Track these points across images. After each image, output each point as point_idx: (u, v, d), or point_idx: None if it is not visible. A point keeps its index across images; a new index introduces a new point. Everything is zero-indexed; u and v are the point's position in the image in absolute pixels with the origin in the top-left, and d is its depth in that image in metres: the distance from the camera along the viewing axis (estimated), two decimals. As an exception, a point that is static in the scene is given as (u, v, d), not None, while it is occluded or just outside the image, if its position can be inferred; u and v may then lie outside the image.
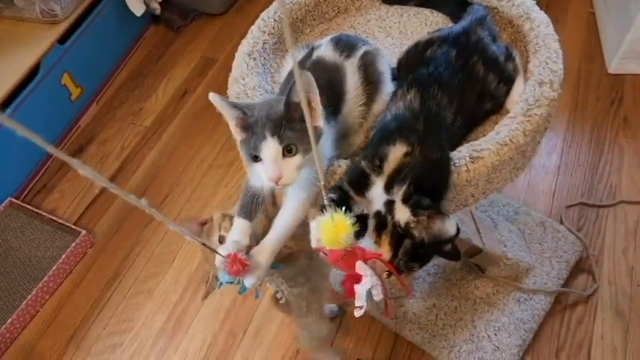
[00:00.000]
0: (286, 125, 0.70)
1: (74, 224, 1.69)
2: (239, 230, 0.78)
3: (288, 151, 0.70)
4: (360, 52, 0.84)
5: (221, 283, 0.81)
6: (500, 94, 0.87)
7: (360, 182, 0.76)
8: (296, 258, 0.94)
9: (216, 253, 0.74)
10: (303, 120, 0.68)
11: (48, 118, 1.87)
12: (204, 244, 0.73)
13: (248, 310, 1.51)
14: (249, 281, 0.77)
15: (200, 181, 1.76)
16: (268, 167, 0.70)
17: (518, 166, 0.82)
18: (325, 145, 0.77)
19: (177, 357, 1.45)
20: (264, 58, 0.98)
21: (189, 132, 1.90)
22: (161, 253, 1.65)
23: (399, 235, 0.73)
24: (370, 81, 0.83)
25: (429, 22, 1.03)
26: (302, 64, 0.83)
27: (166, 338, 1.49)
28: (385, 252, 0.73)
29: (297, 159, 0.70)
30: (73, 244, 1.61)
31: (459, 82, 0.81)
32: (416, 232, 0.72)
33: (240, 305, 1.51)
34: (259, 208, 0.79)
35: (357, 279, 0.70)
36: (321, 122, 0.72)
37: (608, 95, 1.82)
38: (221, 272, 0.77)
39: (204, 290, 0.90)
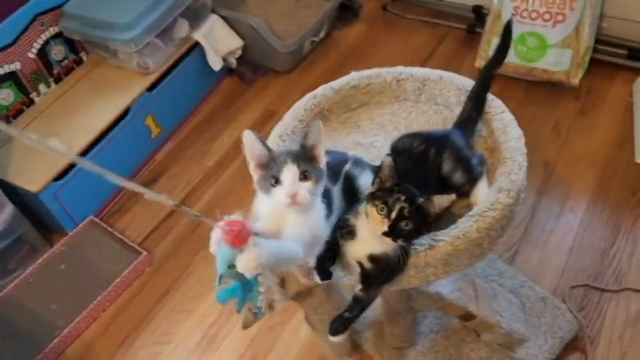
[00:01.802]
0: (302, 158, 0.91)
1: (139, 244, 2.01)
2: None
3: (304, 177, 0.90)
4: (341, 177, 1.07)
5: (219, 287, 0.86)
6: (465, 190, 1.06)
7: None
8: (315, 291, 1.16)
9: (210, 222, 0.84)
10: (313, 160, 0.92)
11: (131, 151, 2.21)
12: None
13: (272, 338, 1.73)
14: (245, 257, 0.80)
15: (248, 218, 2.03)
16: (287, 186, 0.88)
17: (475, 255, 1.01)
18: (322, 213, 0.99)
19: (206, 371, 1.70)
20: (293, 140, 1.22)
21: (245, 174, 2.18)
22: (206, 279, 1.91)
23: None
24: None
25: (431, 122, 1.25)
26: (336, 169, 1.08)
27: (199, 354, 1.74)
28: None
29: (310, 184, 0.90)
30: (135, 262, 1.92)
31: (428, 174, 1.03)
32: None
33: (265, 331, 1.74)
34: None
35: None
36: (323, 165, 0.94)
37: (633, 184, 1.91)
38: (222, 252, 0.84)
39: (242, 321, 1.00)
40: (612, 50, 2.23)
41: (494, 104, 1.17)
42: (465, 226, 0.96)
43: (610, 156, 2.01)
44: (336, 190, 1.06)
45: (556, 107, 2.20)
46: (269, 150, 0.95)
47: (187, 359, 1.73)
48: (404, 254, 0.95)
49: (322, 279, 1.06)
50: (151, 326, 1.83)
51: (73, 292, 1.90)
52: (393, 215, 0.90)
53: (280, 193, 0.90)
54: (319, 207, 0.96)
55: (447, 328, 1.63)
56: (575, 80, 2.16)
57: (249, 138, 0.92)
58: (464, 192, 1.07)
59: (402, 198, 0.90)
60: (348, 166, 1.08)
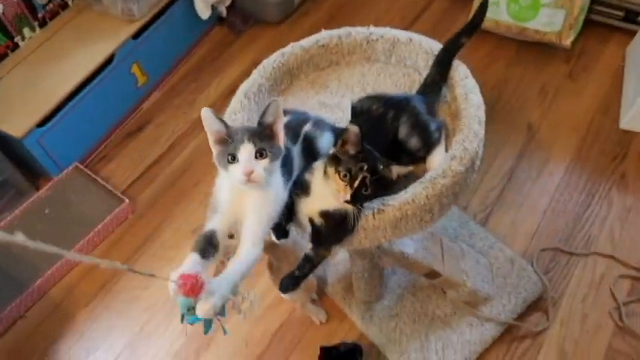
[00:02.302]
0: (259, 136, 0.92)
1: (122, 192, 2.04)
2: (189, 262, 0.91)
3: (259, 154, 0.91)
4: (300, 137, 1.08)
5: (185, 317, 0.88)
6: (421, 155, 1.07)
7: None
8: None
9: (164, 279, 0.86)
10: (271, 137, 0.93)
11: (117, 99, 2.21)
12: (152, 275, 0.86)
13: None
14: (201, 307, 0.84)
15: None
16: (243, 164, 0.89)
17: (425, 220, 1.03)
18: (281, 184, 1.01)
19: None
20: (259, 98, 1.23)
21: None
22: (186, 229, 1.96)
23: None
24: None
25: (399, 85, 1.24)
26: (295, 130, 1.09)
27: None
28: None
29: (266, 161, 0.91)
30: (117, 209, 1.96)
31: (385, 138, 1.03)
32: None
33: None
34: (214, 251, 0.93)
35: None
36: (282, 143, 0.95)
37: (613, 150, 1.91)
38: (180, 300, 0.86)
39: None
40: (608, 11, 2.17)
41: (460, 70, 1.15)
42: (414, 192, 0.98)
43: (594, 121, 2.00)
44: (296, 150, 1.07)
45: (545, 69, 2.17)
46: (226, 127, 0.95)
47: (165, 304, 1.80)
48: (356, 216, 0.97)
49: (278, 238, 1.09)
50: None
51: (57, 236, 1.95)
52: (356, 184, 0.92)
53: (236, 170, 0.91)
54: (278, 182, 0.98)
55: (415, 285, 1.67)
56: (567, 42, 2.12)
57: (206, 115, 0.93)
58: (420, 157, 1.08)
59: (365, 167, 0.91)
60: (308, 127, 1.09)
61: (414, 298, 1.66)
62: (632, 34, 2.12)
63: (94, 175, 2.07)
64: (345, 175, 0.92)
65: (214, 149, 0.96)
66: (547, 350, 1.55)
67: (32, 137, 1.94)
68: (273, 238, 1.07)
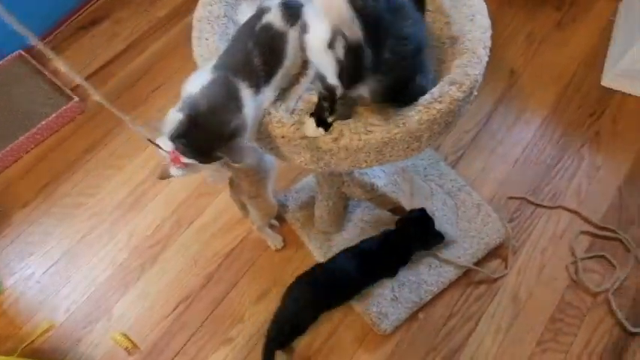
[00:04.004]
0: None
1: (71, 89, 1.85)
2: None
3: None
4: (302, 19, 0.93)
5: None
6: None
7: None
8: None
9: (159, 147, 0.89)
10: None
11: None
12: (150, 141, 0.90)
13: (199, 207, 1.68)
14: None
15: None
16: None
17: (412, 147, 0.94)
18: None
19: (127, 228, 1.65)
20: None
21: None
22: (139, 138, 1.80)
23: None
24: None
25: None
26: (250, 25, 0.93)
27: (123, 210, 1.68)
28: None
29: None
30: (65, 107, 1.78)
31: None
32: None
33: (194, 199, 1.69)
34: None
35: None
36: None
37: (592, 106, 1.86)
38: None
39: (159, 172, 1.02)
40: (608, -39, 2.07)
41: (469, -12, 1.04)
42: (405, 116, 0.88)
43: (577, 74, 1.94)
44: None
45: (536, 15, 2.08)
46: None
47: (111, 213, 1.68)
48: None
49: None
50: (76, 176, 1.74)
51: (-6, 128, 1.77)
52: None
53: None
54: None
55: (377, 220, 1.61)
56: (562, -12, 2.02)
57: None
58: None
59: None
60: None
61: (375, 232, 1.59)
62: (628, -12, 2.04)
63: (40, 67, 1.87)
64: None
65: None
66: (501, 297, 1.54)
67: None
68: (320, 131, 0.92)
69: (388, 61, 0.81)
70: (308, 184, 1.65)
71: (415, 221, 1.43)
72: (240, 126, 0.86)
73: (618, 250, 1.59)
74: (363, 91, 0.86)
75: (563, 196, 1.69)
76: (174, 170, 0.93)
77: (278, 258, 1.59)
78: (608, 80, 1.89)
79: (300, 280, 1.36)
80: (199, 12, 1.02)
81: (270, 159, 1.29)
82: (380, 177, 1.41)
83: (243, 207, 1.50)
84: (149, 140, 0.90)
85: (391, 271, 1.45)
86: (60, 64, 0.65)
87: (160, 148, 0.90)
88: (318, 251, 1.56)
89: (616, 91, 1.88)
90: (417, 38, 0.87)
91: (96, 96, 0.68)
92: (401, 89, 0.87)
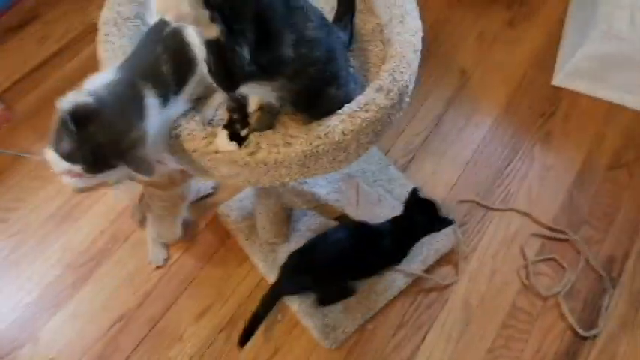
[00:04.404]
0: None
1: (-3, 96, 1.73)
2: None
3: None
4: None
5: None
6: None
7: None
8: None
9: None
10: None
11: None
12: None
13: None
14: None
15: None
16: None
17: (340, 159, 0.87)
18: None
19: (59, 243, 1.55)
20: None
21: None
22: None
23: None
24: None
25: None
26: (159, 29, 0.84)
27: (53, 225, 1.57)
28: None
29: None
30: (-11, 116, 1.66)
31: None
32: None
33: (130, 213, 1.59)
34: None
35: None
36: None
37: (542, 106, 1.84)
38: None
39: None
40: (556, -41, 2.05)
41: (400, -12, 0.97)
42: (328, 126, 0.81)
43: (527, 74, 1.91)
44: None
45: (486, 14, 2.05)
46: None
47: (39, 229, 1.56)
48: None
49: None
50: None
51: None
52: None
53: None
54: None
55: (325, 229, 1.55)
56: (511, -14, 1.99)
57: None
58: None
59: None
60: None
61: (323, 242, 1.53)
62: (577, -14, 2.03)
63: (-39, 71, 1.74)
64: None
65: None
66: (452, 304, 1.49)
67: None
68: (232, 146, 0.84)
69: (293, 66, 0.75)
70: (249, 195, 1.57)
71: (421, 205, 1.37)
72: (140, 137, 0.78)
73: (569, 252, 1.56)
74: (269, 97, 0.78)
75: (515, 198, 1.66)
76: (67, 180, 0.82)
77: (219, 272, 1.51)
78: (558, 80, 1.87)
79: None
80: (105, 14, 0.93)
81: (191, 186, 1.21)
82: (321, 185, 1.35)
83: (143, 219, 1.43)
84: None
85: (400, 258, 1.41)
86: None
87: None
88: (263, 264, 1.49)
89: (567, 90, 1.87)
90: (326, 44, 0.80)
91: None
92: (313, 98, 0.81)
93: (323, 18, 0.84)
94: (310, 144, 0.80)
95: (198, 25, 0.67)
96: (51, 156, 0.77)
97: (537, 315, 1.48)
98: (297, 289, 1.39)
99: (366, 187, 1.48)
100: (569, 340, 1.44)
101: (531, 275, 1.52)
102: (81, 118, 0.75)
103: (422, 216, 1.36)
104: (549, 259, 1.55)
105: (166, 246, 1.52)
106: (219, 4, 0.65)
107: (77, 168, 0.77)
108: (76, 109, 0.75)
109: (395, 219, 1.38)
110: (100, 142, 0.76)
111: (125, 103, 0.77)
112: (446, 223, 1.36)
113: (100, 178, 0.81)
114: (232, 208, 1.56)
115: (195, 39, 0.71)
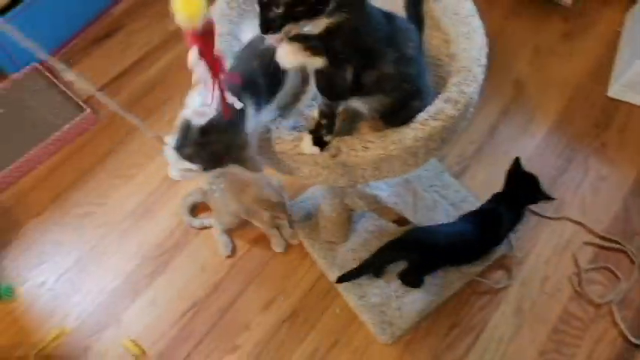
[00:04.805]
0: None
1: (84, 101, 1.90)
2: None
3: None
4: None
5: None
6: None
7: None
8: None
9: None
10: None
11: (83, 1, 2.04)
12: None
13: (207, 216, 1.72)
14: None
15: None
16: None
17: (409, 163, 0.96)
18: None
19: (138, 237, 1.69)
20: (242, 9, 1.11)
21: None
22: (150, 148, 1.85)
23: None
24: None
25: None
26: (254, 45, 0.96)
27: (133, 220, 1.72)
28: None
29: None
30: (78, 118, 1.83)
31: None
32: None
33: (202, 208, 1.72)
34: None
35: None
36: None
37: (597, 118, 1.86)
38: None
39: None
40: (615, -28, 2.08)
41: (466, 5, 1.06)
42: (401, 132, 0.90)
43: (583, 85, 1.94)
44: None
45: (542, 26, 2.09)
46: None
47: (121, 223, 1.72)
48: None
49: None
50: (86, 187, 1.79)
51: (10, 139, 1.82)
52: None
53: None
54: None
55: (382, 231, 1.63)
56: (569, -1, 2.03)
57: None
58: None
59: None
60: None
61: (380, 243, 1.60)
62: (635, -1, 2.05)
63: (54, 79, 1.92)
64: None
65: None
66: (505, 307, 1.55)
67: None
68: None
69: (392, 82, 0.84)
70: (313, 194, 1.68)
71: (523, 178, 1.50)
72: (246, 140, 0.90)
73: (622, 262, 1.59)
74: (362, 108, 0.88)
75: (568, 207, 1.70)
76: (174, 172, 0.93)
77: (283, 267, 1.62)
78: (614, 91, 1.89)
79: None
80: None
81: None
82: (382, 189, 1.44)
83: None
84: (159, 139, 0.90)
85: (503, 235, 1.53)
86: (72, 77, 0.68)
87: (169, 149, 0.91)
88: (323, 261, 1.59)
89: (622, 102, 1.89)
90: (419, 62, 0.90)
91: (111, 105, 0.70)
92: (398, 110, 0.90)
93: (418, 36, 0.94)
94: (385, 148, 0.89)
95: (306, 63, 0.78)
96: (171, 155, 0.89)
97: (590, 322, 1.51)
98: (401, 259, 1.49)
99: (422, 192, 1.56)
100: (621, 347, 1.46)
101: (584, 283, 1.56)
102: (205, 129, 0.86)
103: (524, 189, 1.47)
104: (603, 267, 1.59)
105: (287, 231, 1.64)
106: (324, 48, 0.76)
107: (194, 167, 0.89)
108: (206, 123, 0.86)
109: (497, 195, 1.51)
110: (218, 147, 0.89)
111: (235, 111, 0.89)
112: (547, 197, 1.47)
113: (209, 174, 0.93)
114: (295, 208, 1.67)
115: (284, 61, 0.81)
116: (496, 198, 1.53)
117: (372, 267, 1.48)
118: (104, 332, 1.54)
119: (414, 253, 1.46)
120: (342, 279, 1.46)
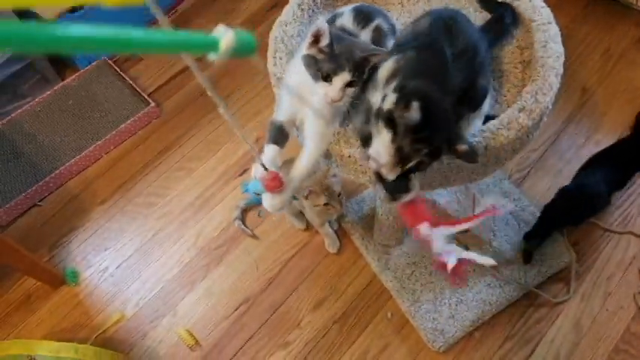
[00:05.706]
0: (357, 67, 0.88)
1: (148, 95, 1.96)
2: (271, 153, 0.96)
3: (350, 84, 0.89)
4: (373, 25, 0.97)
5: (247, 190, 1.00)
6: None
7: None
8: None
9: (262, 164, 0.91)
10: (363, 68, 0.89)
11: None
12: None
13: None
14: (271, 201, 0.94)
15: (259, 93, 1.97)
16: (335, 91, 0.88)
17: (477, 173, 0.94)
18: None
19: (195, 229, 1.73)
20: (313, 11, 1.11)
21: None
22: (210, 142, 1.90)
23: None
24: None
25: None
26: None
27: (191, 212, 1.77)
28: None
29: (352, 90, 0.90)
30: (142, 112, 1.89)
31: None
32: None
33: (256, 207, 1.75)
34: (286, 136, 0.98)
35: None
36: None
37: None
38: (254, 182, 0.95)
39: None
40: (696, -23, 1.97)
41: (543, 13, 1.03)
42: (473, 142, 0.88)
43: (653, 98, 1.85)
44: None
45: (613, 31, 2.01)
46: (331, 45, 0.88)
47: (180, 214, 1.76)
48: None
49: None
50: (149, 177, 1.84)
51: (78, 129, 1.90)
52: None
53: (326, 91, 0.90)
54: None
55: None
56: (644, 4, 1.94)
57: (323, 27, 0.87)
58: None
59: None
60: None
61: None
62: None
63: (121, 72, 1.99)
64: None
65: (308, 49, 0.91)
66: (562, 322, 1.50)
67: (63, 22, 1.85)
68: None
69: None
70: (369, 196, 1.67)
71: None
72: None
73: (692, 282, 1.51)
74: None
75: (634, 222, 1.63)
76: (272, 199, 0.94)
77: (336, 267, 1.62)
78: (689, 103, 1.80)
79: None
80: (275, 31, 1.07)
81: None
82: (441, 194, 1.42)
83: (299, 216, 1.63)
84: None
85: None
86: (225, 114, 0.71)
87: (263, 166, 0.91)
88: (376, 263, 1.58)
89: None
90: (474, 40, 0.90)
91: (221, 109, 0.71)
92: (467, 90, 0.88)
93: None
94: (453, 158, 0.88)
95: None
96: (257, 168, 0.92)
97: (654, 343, 1.45)
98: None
99: (481, 199, 1.53)
100: (686, 372, 1.40)
101: (649, 301, 1.49)
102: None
103: None
104: (670, 287, 1.52)
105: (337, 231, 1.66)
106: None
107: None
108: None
109: (616, 144, 1.63)
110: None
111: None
112: None
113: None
114: (350, 210, 1.67)
115: None
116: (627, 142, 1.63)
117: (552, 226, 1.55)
118: (161, 320, 1.58)
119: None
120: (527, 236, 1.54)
